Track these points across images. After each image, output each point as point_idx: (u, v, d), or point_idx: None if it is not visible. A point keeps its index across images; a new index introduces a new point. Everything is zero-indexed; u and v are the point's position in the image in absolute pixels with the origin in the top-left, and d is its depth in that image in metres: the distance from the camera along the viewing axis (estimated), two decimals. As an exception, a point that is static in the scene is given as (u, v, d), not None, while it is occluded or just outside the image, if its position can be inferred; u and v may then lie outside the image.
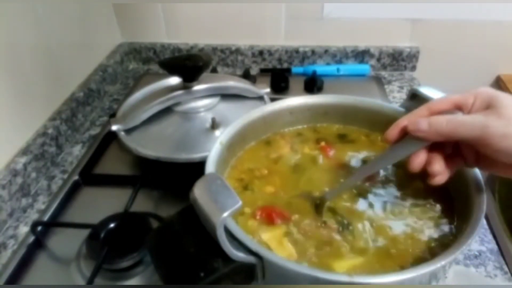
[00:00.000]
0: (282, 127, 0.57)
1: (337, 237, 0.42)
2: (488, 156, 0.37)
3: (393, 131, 0.42)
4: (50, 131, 0.72)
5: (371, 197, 0.47)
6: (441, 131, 0.38)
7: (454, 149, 0.41)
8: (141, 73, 1.05)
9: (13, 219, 0.63)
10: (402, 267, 0.39)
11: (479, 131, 0.36)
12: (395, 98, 0.92)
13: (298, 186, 0.49)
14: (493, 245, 0.57)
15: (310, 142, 0.55)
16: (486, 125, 0.35)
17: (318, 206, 0.45)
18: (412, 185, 0.48)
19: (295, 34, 1.01)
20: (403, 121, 0.41)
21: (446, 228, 0.43)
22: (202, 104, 0.68)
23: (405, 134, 0.41)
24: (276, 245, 0.41)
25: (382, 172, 0.50)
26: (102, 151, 0.76)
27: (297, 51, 1.01)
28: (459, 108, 0.39)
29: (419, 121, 0.39)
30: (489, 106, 0.37)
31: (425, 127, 0.38)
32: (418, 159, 0.40)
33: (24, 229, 0.61)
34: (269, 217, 0.44)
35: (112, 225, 0.56)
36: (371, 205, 0.46)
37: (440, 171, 0.40)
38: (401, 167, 0.50)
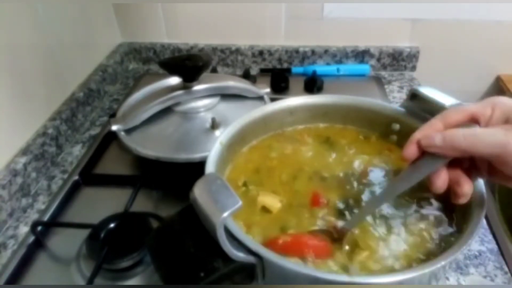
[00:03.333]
0: (282, 127, 0.57)
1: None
2: (504, 171, 0.35)
3: (410, 149, 0.38)
4: (50, 131, 0.72)
5: (369, 195, 0.47)
6: (458, 147, 0.35)
7: (470, 161, 0.38)
8: (141, 73, 1.05)
9: (13, 219, 0.63)
10: (402, 267, 0.39)
11: (499, 149, 0.33)
12: (395, 98, 0.92)
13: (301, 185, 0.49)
14: (493, 245, 0.57)
15: (311, 140, 0.55)
16: (507, 143, 0.33)
17: (336, 240, 0.41)
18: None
19: (295, 34, 1.00)
20: (417, 135, 0.38)
21: (446, 228, 0.43)
22: (202, 104, 0.68)
23: (422, 150, 0.38)
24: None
25: (382, 173, 0.50)
26: (102, 151, 0.76)
27: (297, 51, 1.01)
28: (475, 120, 0.36)
29: (433, 136, 0.36)
30: (509, 120, 0.35)
31: (439, 142, 0.35)
32: (441, 179, 0.37)
33: (24, 229, 0.61)
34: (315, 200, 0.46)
35: (112, 225, 0.56)
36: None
37: (469, 192, 0.37)
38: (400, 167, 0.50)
